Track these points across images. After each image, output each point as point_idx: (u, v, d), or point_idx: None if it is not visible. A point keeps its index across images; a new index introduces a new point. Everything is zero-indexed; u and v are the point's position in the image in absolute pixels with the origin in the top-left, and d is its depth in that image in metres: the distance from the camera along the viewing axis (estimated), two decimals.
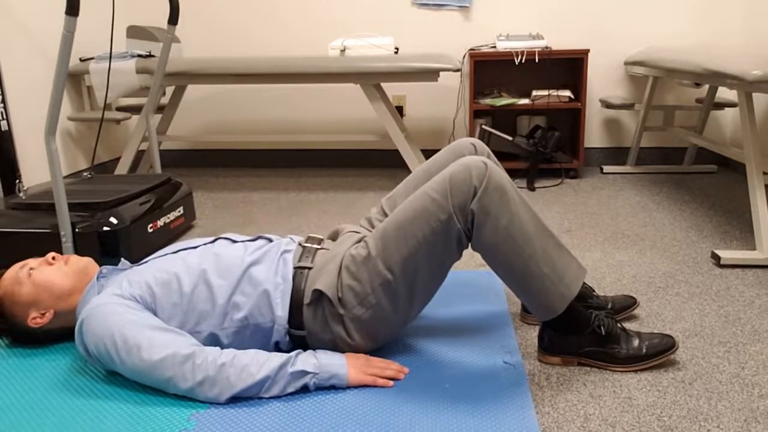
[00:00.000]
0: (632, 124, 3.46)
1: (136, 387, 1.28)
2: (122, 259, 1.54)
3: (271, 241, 1.42)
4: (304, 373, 1.24)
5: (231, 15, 3.51)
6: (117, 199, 2.04)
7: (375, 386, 1.27)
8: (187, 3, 3.50)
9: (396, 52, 3.02)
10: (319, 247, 1.39)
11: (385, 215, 1.53)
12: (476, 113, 3.33)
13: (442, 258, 1.29)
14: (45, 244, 1.91)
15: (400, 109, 3.53)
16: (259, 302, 1.29)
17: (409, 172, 2.97)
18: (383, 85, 3.49)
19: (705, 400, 1.23)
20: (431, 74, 2.83)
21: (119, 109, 3.40)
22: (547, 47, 3.05)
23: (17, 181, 2.55)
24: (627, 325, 1.53)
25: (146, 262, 1.41)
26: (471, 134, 3.32)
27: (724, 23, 3.24)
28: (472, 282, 1.83)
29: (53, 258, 1.43)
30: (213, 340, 1.31)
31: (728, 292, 1.75)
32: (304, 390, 1.25)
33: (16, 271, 1.41)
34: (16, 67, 2.69)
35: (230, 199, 2.97)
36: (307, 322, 1.31)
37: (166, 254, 1.40)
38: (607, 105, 3.21)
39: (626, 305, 1.58)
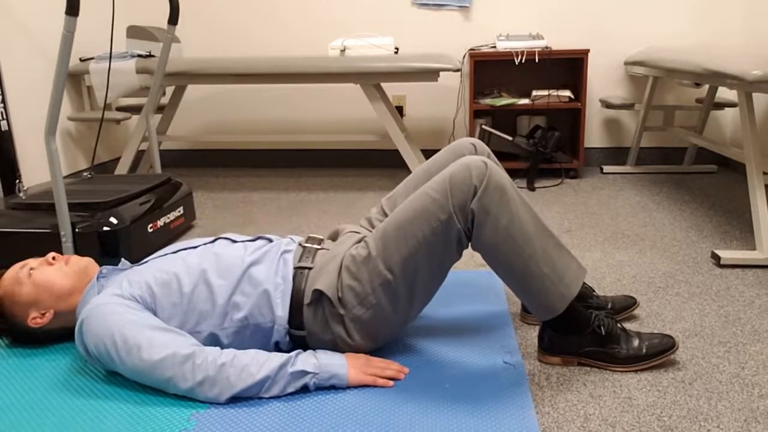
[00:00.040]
0: (632, 124, 3.46)
1: (136, 387, 1.28)
2: (122, 259, 1.54)
3: (271, 241, 1.42)
4: (304, 373, 1.24)
5: (231, 15, 3.51)
6: (117, 199, 2.04)
7: (375, 386, 1.27)
8: (187, 3, 3.50)
9: (396, 52, 3.02)
10: (319, 247, 1.39)
11: (385, 215, 1.53)
12: (476, 113, 3.33)
13: (442, 258, 1.29)
14: (45, 244, 1.91)
15: (400, 109, 3.53)
16: (259, 302, 1.29)
17: (409, 172, 2.97)
18: (383, 85, 3.49)
19: (705, 400, 1.23)
20: (431, 74, 2.83)
21: (119, 109, 3.40)
22: (547, 47, 3.05)
23: (17, 181, 2.55)
24: (627, 325, 1.53)
25: (146, 262, 1.41)
26: (471, 134, 3.32)
27: (724, 23, 3.24)
28: (472, 282, 1.83)
29: (53, 258, 1.43)
30: (213, 340, 1.31)
31: (728, 292, 1.75)
32: (304, 390, 1.25)
33: (16, 271, 1.41)
34: (16, 67, 2.69)
35: (230, 199, 2.97)
36: (308, 322, 1.31)
37: (166, 254, 1.40)
38: (607, 105, 3.21)
39: (626, 305, 1.58)
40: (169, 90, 3.56)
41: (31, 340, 1.46)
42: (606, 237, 2.26)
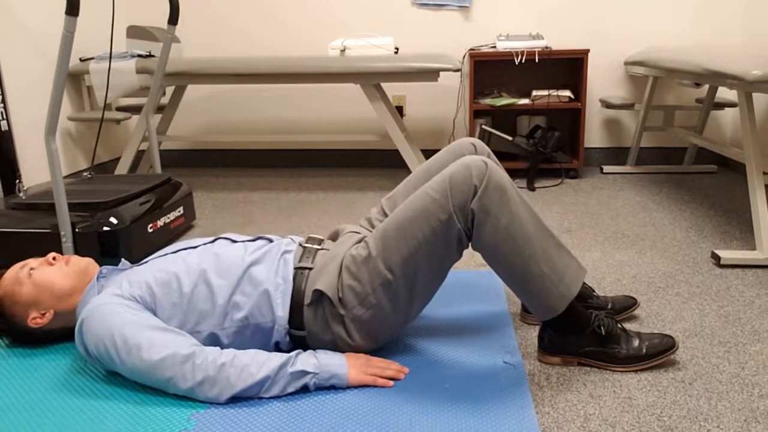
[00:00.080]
0: (632, 124, 3.46)
1: (136, 387, 1.28)
2: (122, 259, 1.54)
3: (271, 241, 1.42)
4: (304, 373, 1.24)
5: (231, 15, 3.51)
6: (117, 199, 2.04)
7: (375, 386, 1.27)
8: (187, 3, 3.50)
9: (396, 52, 3.02)
10: (319, 247, 1.39)
11: (385, 215, 1.53)
12: (476, 113, 3.33)
13: (443, 258, 1.29)
14: (45, 244, 1.91)
15: (400, 109, 3.53)
16: (260, 302, 1.29)
17: (409, 172, 2.97)
18: (383, 85, 3.49)
19: (705, 400, 1.23)
20: (431, 74, 2.83)
21: (119, 109, 3.40)
22: (547, 47, 3.05)
23: (17, 181, 2.55)
24: (627, 326, 1.53)
25: (146, 262, 1.41)
26: (471, 134, 3.32)
27: (724, 23, 3.24)
28: (472, 282, 1.83)
29: (54, 258, 1.43)
30: (213, 340, 1.31)
31: (728, 292, 1.75)
32: (304, 390, 1.25)
33: (16, 271, 1.41)
34: (16, 67, 2.69)
35: (230, 199, 2.97)
36: (308, 322, 1.31)
37: (166, 254, 1.40)
38: (607, 105, 3.21)
39: (626, 305, 1.58)
40: (169, 90, 3.56)
41: (31, 340, 1.46)
42: (606, 237, 2.26)
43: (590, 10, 3.31)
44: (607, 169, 3.34)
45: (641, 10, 3.28)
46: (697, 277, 1.86)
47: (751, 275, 1.86)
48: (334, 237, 1.52)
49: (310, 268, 1.33)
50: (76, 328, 1.27)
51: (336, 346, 1.32)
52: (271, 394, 1.23)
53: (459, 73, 3.43)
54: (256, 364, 1.22)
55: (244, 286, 1.30)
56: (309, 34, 3.49)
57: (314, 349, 1.31)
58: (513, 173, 3.10)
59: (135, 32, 3.17)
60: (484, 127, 3.17)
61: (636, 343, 1.34)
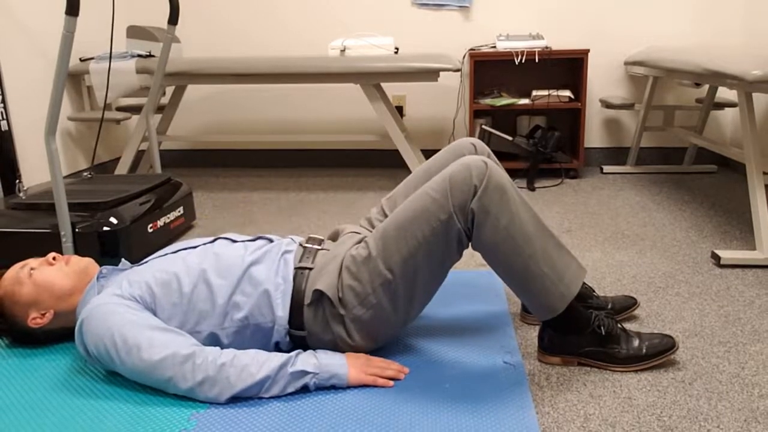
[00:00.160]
0: (632, 124, 3.46)
1: (136, 387, 1.28)
2: (122, 259, 1.54)
3: (271, 241, 1.42)
4: (304, 373, 1.24)
5: (231, 15, 3.51)
6: (117, 199, 2.04)
7: (375, 386, 1.27)
8: (187, 3, 3.50)
9: (396, 52, 3.02)
10: (319, 247, 1.39)
11: (385, 215, 1.53)
12: (476, 113, 3.33)
13: (443, 258, 1.29)
14: (45, 244, 1.91)
15: (400, 109, 3.53)
16: (260, 302, 1.29)
17: (409, 172, 2.97)
18: (383, 85, 3.49)
19: (705, 400, 1.23)
20: (431, 74, 2.83)
21: (119, 109, 3.40)
22: (547, 47, 3.05)
23: (17, 181, 2.55)
24: (627, 326, 1.53)
25: (146, 262, 1.41)
26: (471, 134, 3.32)
27: (724, 23, 3.24)
28: (472, 282, 1.83)
29: (54, 258, 1.43)
30: (213, 340, 1.31)
31: (728, 292, 1.75)
32: (304, 390, 1.25)
33: (16, 271, 1.41)
34: (16, 67, 2.69)
35: (230, 199, 2.97)
36: (308, 322, 1.31)
37: (165, 254, 1.40)
38: (607, 105, 3.21)
39: (626, 305, 1.58)
40: (169, 90, 3.56)
41: (31, 340, 1.46)
42: (606, 237, 2.26)
43: (590, 10, 3.31)
44: (607, 169, 3.34)
45: (641, 10, 3.28)
46: (697, 277, 1.86)
47: (751, 275, 1.86)
48: (334, 237, 1.52)
49: (311, 268, 1.33)
50: (76, 328, 1.27)
51: (336, 346, 1.32)
52: (271, 394, 1.23)
53: (459, 73, 3.43)
54: (256, 364, 1.22)
55: (244, 286, 1.30)
56: (309, 34, 3.49)
57: (314, 349, 1.31)
58: (513, 173, 3.10)
59: (135, 32, 3.17)
60: (484, 127, 3.17)
61: (636, 343, 1.34)
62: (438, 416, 1.17)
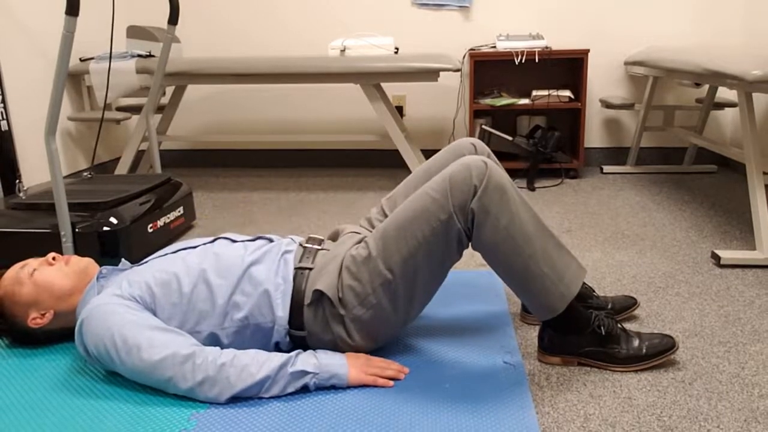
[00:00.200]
0: (632, 124, 3.46)
1: (136, 387, 1.28)
2: (122, 259, 1.54)
3: (271, 241, 1.42)
4: (305, 373, 1.24)
5: (231, 15, 3.51)
6: (117, 199, 2.04)
7: (375, 386, 1.27)
8: (187, 3, 3.50)
9: (396, 52, 3.02)
10: (319, 247, 1.39)
11: (385, 215, 1.53)
12: (476, 113, 3.33)
13: (443, 258, 1.29)
14: (45, 244, 1.91)
15: (400, 109, 3.53)
16: (260, 302, 1.29)
17: (409, 172, 2.97)
18: (383, 85, 3.49)
19: (705, 400, 1.23)
20: (431, 74, 2.83)
21: (119, 109, 3.40)
22: (547, 47, 3.05)
23: (17, 181, 2.55)
24: (627, 326, 1.53)
25: (146, 262, 1.41)
26: (471, 134, 3.32)
27: (724, 23, 3.24)
28: (472, 282, 1.83)
29: (54, 258, 1.43)
30: (213, 340, 1.31)
31: (728, 292, 1.75)
32: (304, 390, 1.25)
33: (16, 271, 1.41)
34: (16, 67, 2.69)
35: (230, 199, 2.97)
36: (308, 322, 1.31)
37: (165, 254, 1.40)
38: (607, 105, 3.21)
39: (626, 305, 1.58)
40: (169, 90, 3.56)
41: (31, 340, 1.46)
42: (606, 237, 2.26)
43: (590, 10, 3.31)
44: (607, 169, 3.34)
45: (641, 10, 3.28)
46: (697, 277, 1.86)
47: (751, 275, 1.86)
48: (334, 237, 1.52)
49: (311, 269, 1.33)
50: (76, 329, 1.27)
51: (336, 346, 1.32)
52: (271, 394, 1.23)
53: (459, 73, 3.43)
54: (256, 364, 1.22)
55: (244, 286, 1.30)
56: (309, 34, 3.49)
57: (314, 349, 1.31)
58: (513, 173, 3.10)
59: (135, 32, 3.17)
60: (484, 127, 3.17)
61: (636, 343, 1.34)
62: (438, 416, 1.17)
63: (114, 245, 1.95)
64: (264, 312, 1.30)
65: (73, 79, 3.11)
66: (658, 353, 1.34)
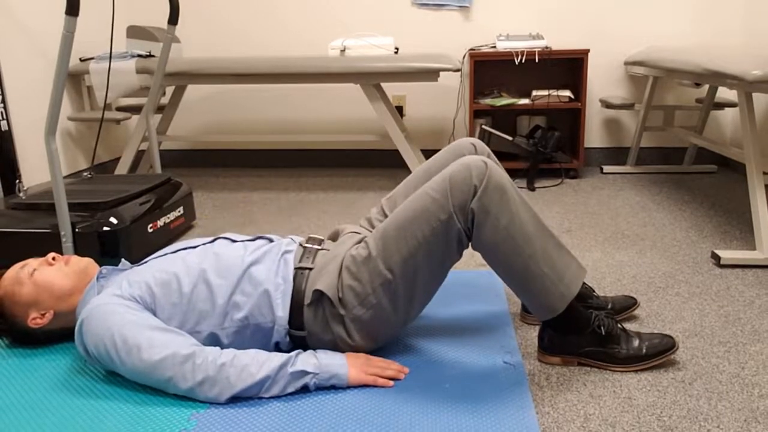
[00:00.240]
0: (632, 124, 3.46)
1: (136, 387, 1.28)
2: (122, 259, 1.54)
3: (271, 241, 1.42)
4: (305, 373, 1.24)
5: (231, 15, 3.51)
6: (117, 199, 2.04)
7: (375, 386, 1.27)
8: (187, 3, 3.50)
9: (396, 52, 3.02)
10: (319, 247, 1.39)
11: (385, 215, 1.53)
12: (476, 113, 3.33)
13: (443, 258, 1.29)
14: (45, 244, 1.91)
15: (400, 109, 3.53)
16: (260, 302, 1.29)
17: (409, 172, 2.97)
18: (383, 85, 3.49)
19: (705, 400, 1.23)
20: (431, 74, 2.83)
21: (119, 109, 3.40)
22: (547, 47, 3.05)
23: (17, 181, 2.55)
24: (627, 326, 1.53)
25: (146, 262, 1.41)
26: (471, 134, 3.32)
27: (724, 23, 3.24)
28: (472, 282, 1.83)
29: (53, 258, 1.43)
30: (213, 340, 1.31)
31: (728, 292, 1.75)
32: (304, 390, 1.25)
33: (16, 271, 1.41)
34: (16, 67, 2.69)
35: (230, 199, 2.97)
36: (308, 322, 1.31)
37: (165, 254, 1.40)
38: (607, 105, 3.21)
39: (626, 305, 1.58)
40: (169, 90, 3.56)
41: (31, 340, 1.46)
42: (606, 237, 2.26)
43: (590, 10, 3.31)
44: (607, 169, 3.34)
45: (641, 10, 3.28)
46: (697, 277, 1.86)
47: (751, 275, 1.86)
48: (334, 237, 1.52)
49: (311, 269, 1.33)
50: (76, 329, 1.27)
51: (336, 346, 1.32)
52: (271, 394, 1.23)
53: (459, 73, 3.43)
54: (256, 364, 1.22)
55: (244, 286, 1.30)
56: (309, 34, 3.49)
57: (314, 349, 1.31)
58: (513, 173, 3.10)
59: (135, 32, 3.17)
60: (484, 127, 3.17)
61: (636, 343, 1.34)
62: (438, 416, 1.17)
63: (114, 245, 1.95)
64: (264, 312, 1.30)
65: (73, 79, 3.11)
66: (658, 353, 1.34)
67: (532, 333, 1.52)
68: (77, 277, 1.41)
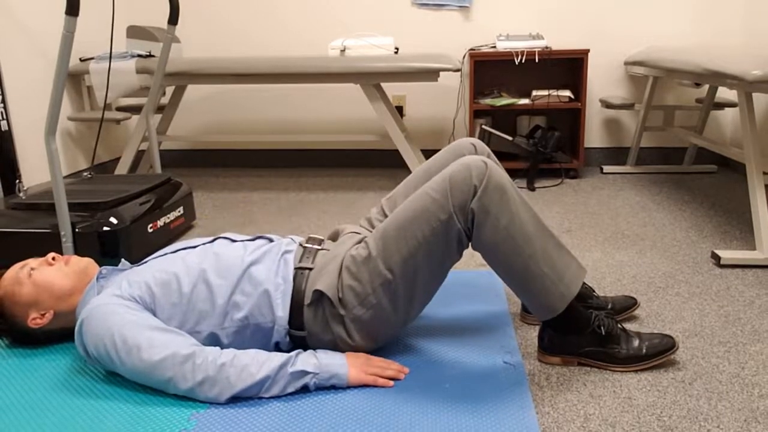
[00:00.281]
0: (632, 124, 3.46)
1: (136, 387, 1.28)
2: (122, 259, 1.54)
3: (271, 241, 1.42)
4: (305, 373, 1.24)
5: (231, 15, 3.51)
6: (117, 199, 2.04)
7: (375, 386, 1.27)
8: (187, 3, 3.50)
9: (396, 52, 3.02)
10: (319, 247, 1.39)
11: (385, 215, 1.53)
12: (476, 113, 3.33)
13: (442, 258, 1.29)
14: (45, 244, 1.91)
15: (400, 109, 3.53)
16: (260, 302, 1.29)
17: (409, 172, 2.97)
18: (383, 85, 3.49)
19: (705, 400, 1.23)
20: (431, 74, 2.83)
21: (119, 109, 3.40)
22: (547, 47, 3.05)
23: (17, 181, 2.55)
24: (627, 326, 1.53)
25: (146, 262, 1.41)
26: (471, 134, 3.32)
27: (724, 23, 3.24)
28: (472, 282, 1.83)
29: (53, 258, 1.43)
30: (213, 340, 1.31)
31: (728, 292, 1.75)
32: (304, 390, 1.25)
33: (16, 271, 1.41)
34: (16, 67, 2.69)
35: (230, 199, 2.97)
36: (308, 322, 1.31)
37: (165, 254, 1.40)
38: (607, 105, 3.21)
39: (626, 306, 1.58)
40: (169, 90, 3.56)
41: (31, 340, 1.46)
42: (606, 237, 2.26)
43: (590, 10, 3.31)
44: (607, 169, 3.34)
45: (641, 10, 3.28)
46: (697, 277, 1.86)
47: (751, 275, 1.86)
48: (334, 237, 1.52)
49: (311, 269, 1.33)
50: (76, 329, 1.27)
51: (336, 347, 1.32)
52: (271, 394, 1.23)
53: (459, 73, 3.43)
54: (256, 364, 1.22)
55: (244, 286, 1.30)
56: (309, 34, 3.49)
57: (314, 349, 1.31)
58: (513, 173, 3.10)
59: (135, 32, 3.17)
60: (484, 127, 3.17)
61: (636, 343, 1.34)
62: (438, 416, 1.17)
63: (114, 245, 1.95)
64: (264, 312, 1.30)
65: (73, 79, 3.11)
66: (658, 353, 1.34)
67: (532, 333, 1.52)
68: (77, 277, 1.41)
